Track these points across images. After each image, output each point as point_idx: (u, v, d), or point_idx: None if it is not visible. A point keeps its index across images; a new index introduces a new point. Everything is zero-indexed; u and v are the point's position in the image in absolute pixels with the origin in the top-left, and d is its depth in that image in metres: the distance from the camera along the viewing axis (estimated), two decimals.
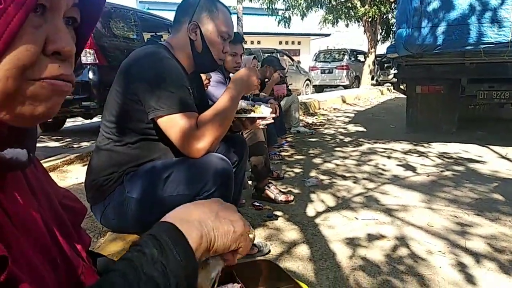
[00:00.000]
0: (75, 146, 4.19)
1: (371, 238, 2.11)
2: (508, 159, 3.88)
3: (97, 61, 4.29)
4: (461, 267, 1.79)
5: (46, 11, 0.41)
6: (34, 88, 0.41)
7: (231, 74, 2.91)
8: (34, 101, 0.41)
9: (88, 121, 5.71)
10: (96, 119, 5.36)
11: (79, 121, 6.13)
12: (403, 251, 1.94)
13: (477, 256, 1.88)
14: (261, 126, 1.95)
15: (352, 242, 2.05)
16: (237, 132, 1.77)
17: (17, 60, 0.38)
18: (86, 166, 2.37)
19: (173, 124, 1.29)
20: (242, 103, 1.59)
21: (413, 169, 3.54)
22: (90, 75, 4.26)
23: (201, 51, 1.46)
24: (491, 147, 4.38)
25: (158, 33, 6.68)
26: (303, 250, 1.97)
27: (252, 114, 1.59)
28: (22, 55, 0.38)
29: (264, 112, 1.60)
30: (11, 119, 0.42)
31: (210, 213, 0.56)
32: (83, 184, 1.49)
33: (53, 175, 2.71)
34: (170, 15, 7.23)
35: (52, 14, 0.42)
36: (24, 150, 0.46)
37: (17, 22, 0.37)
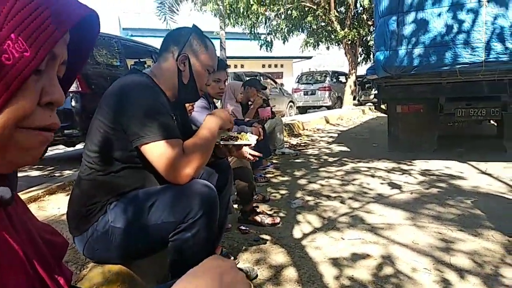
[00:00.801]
0: (57, 174, 4.12)
1: (358, 257, 2.11)
2: (487, 174, 3.97)
3: (80, 89, 4.27)
4: (446, 283, 1.80)
5: (43, 67, 0.45)
6: (24, 136, 0.43)
7: (215, 99, 2.96)
8: (22, 150, 0.44)
9: (71, 148, 5.63)
10: (79, 146, 5.30)
11: (61, 148, 6.04)
12: (389, 270, 1.96)
13: (461, 272, 1.90)
14: (249, 156, 1.96)
15: (339, 263, 2.06)
16: (222, 158, 1.79)
17: (17, 110, 0.41)
18: (68, 196, 2.32)
19: (158, 152, 1.30)
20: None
21: (397, 187, 3.59)
22: (73, 102, 4.24)
23: (187, 82, 1.51)
24: (471, 163, 4.49)
25: (141, 60, 6.73)
26: (290, 273, 1.96)
27: (238, 142, 1.62)
28: (22, 106, 0.42)
29: (250, 140, 1.64)
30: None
31: None
32: (65, 215, 1.47)
33: (34, 205, 2.66)
34: (152, 41, 7.32)
35: (48, 69, 0.46)
36: (7, 188, 0.48)
37: (26, 74, 0.41)
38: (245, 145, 1.67)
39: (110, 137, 1.35)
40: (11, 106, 0.41)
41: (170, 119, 1.38)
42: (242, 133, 1.70)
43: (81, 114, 4.25)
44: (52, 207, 2.62)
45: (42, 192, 2.87)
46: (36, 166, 4.67)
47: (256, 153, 2.01)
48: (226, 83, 2.92)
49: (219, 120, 1.49)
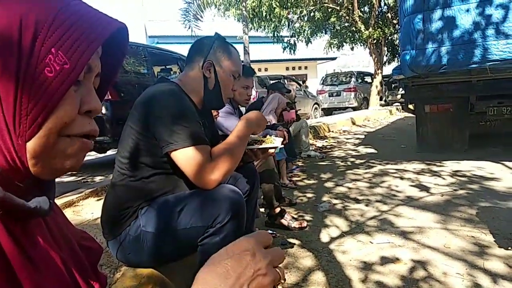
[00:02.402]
0: (89, 180, 4.27)
1: (387, 262, 2.08)
2: None
3: (110, 97, 4.42)
4: None
5: (81, 78, 0.49)
6: (67, 143, 0.47)
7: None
8: (64, 156, 0.48)
9: (102, 155, 5.82)
10: (110, 152, 5.46)
11: (92, 155, 6.24)
12: (419, 274, 1.92)
13: (495, 277, 1.84)
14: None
15: (367, 267, 2.03)
16: (249, 163, 1.81)
17: (60, 119, 0.45)
18: (100, 201, 2.41)
19: (187, 157, 1.34)
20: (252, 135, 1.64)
21: (426, 189, 3.51)
22: (104, 110, 4.39)
23: (212, 89, 1.54)
24: (505, 163, 4.33)
25: (167, 66, 6.87)
26: (318, 277, 1.96)
27: (263, 145, 1.63)
28: (64, 115, 0.45)
29: (275, 142, 1.65)
30: (42, 172, 0.47)
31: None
32: (99, 220, 1.53)
33: (69, 210, 2.77)
34: (178, 48, 7.46)
35: (85, 80, 0.50)
36: (45, 198, 0.51)
37: (67, 85, 0.44)
38: (270, 148, 1.68)
39: (141, 143, 1.40)
40: (55, 115, 0.44)
41: (198, 126, 1.42)
42: (268, 136, 1.71)
43: (112, 121, 4.38)
44: (86, 212, 2.72)
45: (76, 198, 2.99)
46: (70, 172, 4.86)
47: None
48: (254, 90, 2.95)
49: (251, 125, 1.51)
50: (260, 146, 1.63)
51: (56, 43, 0.43)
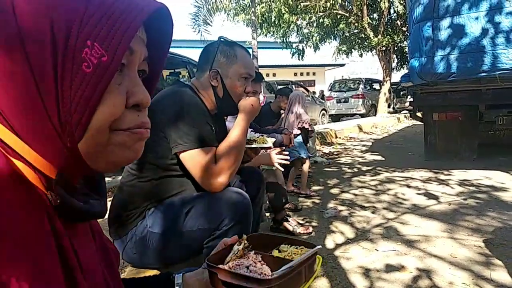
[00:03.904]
0: None
1: (392, 270, 2.07)
2: None
3: None
4: None
5: (124, 68, 0.46)
6: (121, 138, 0.46)
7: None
8: (123, 148, 0.46)
9: None
10: None
11: None
12: (425, 283, 1.90)
13: None
14: (277, 165, 2.02)
15: (372, 275, 2.02)
16: (245, 162, 1.77)
17: (108, 114, 0.43)
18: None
19: (194, 160, 1.35)
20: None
21: (433, 197, 3.49)
22: None
23: (222, 96, 1.52)
24: None
25: (176, 70, 6.91)
26: (323, 284, 1.95)
27: (255, 145, 1.62)
28: (111, 109, 0.43)
29: (267, 143, 1.64)
30: (106, 167, 0.47)
31: None
32: (106, 220, 1.54)
33: None
34: (187, 52, 7.50)
35: (129, 70, 0.47)
36: (100, 201, 0.51)
37: (107, 79, 0.42)
38: (262, 148, 1.67)
39: (152, 144, 1.41)
40: (99, 113, 0.42)
41: (208, 129, 1.42)
42: (259, 136, 1.70)
43: None
44: None
45: None
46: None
47: (284, 157, 2.04)
48: (262, 95, 2.95)
49: (252, 114, 1.49)
50: (252, 146, 1.62)
51: (91, 34, 0.40)
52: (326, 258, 2.24)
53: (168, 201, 1.43)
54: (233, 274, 0.71)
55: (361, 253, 2.31)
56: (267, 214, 2.88)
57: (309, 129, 3.93)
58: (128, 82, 0.46)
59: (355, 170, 5.04)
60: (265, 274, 0.72)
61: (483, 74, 4.31)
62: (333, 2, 12.56)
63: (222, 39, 1.56)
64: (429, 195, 3.56)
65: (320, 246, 0.83)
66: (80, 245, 0.48)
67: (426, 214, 3.02)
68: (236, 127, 1.45)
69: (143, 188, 1.43)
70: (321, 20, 13.77)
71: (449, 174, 4.46)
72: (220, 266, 0.74)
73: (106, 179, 4.35)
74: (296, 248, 0.85)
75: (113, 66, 0.42)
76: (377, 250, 2.34)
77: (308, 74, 26.15)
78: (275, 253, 0.86)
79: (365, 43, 14.89)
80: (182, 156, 1.37)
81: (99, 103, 0.42)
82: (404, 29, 13.49)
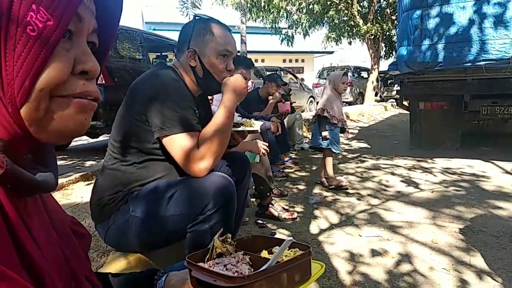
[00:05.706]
0: (80, 165, 4.24)
1: (375, 255, 2.10)
2: None
3: (104, 81, 4.36)
4: (464, 284, 1.78)
5: (72, 36, 0.46)
6: (60, 105, 0.44)
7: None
8: (63, 117, 0.45)
9: (94, 140, 5.77)
10: (102, 138, 5.42)
11: (84, 140, 6.20)
12: (406, 268, 1.94)
13: (481, 273, 1.86)
14: (262, 151, 2.03)
15: (355, 259, 2.05)
16: (232, 147, 1.74)
17: (51, 79, 0.42)
18: (90, 185, 2.39)
19: (176, 144, 1.33)
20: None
21: (417, 185, 3.54)
22: None
23: (202, 76, 1.48)
24: (495, 162, 4.37)
25: (163, 53, 6.81)
26: None
27: (242, 128, 1.59)
28: (56, 74, 0.42)
29: (254, 126, 1.61)
30: (48, 138, 0.45)
31: None
32: (88, 203, 1.51)
33: (58, 194, 2.75)
34: (175, 35, 7.37)
35: (78, 38, 0.46)
36: (51, 174, 0.49)
37: (53, 43, 0.41)
38: (249, 131, 1.64)
39: (134, 128, 1.38)
40: (43, 77, 0.41)
41: (191, 112, 1.39)
42: (246, 120, 1.67)
43: (105, 106, 4.33)
44: (75, 196, 2.71)
45: (66, 182, 2.97)
46: (60, 156, 4.81)
47: (266, 148, 2.07)
48: (250, 81, 2.90)
49: (237, 95, 1.43)
50: (239, 129, 1.59)
51: None
52: (310, 243, 2.26)
53: (151, 185, 1.40)
54: (205, 270, 0.71)
55: (345, 238, 2.34)
56: (253, 200, 2.88)
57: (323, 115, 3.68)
58: (76, 50, 0.46)
59: (341, 157, 5.07)
60: (240, 273, 0.72)
61: (469, 64, 4.36)
62: None
63: (197, 17, 1.51)
64: (413, 183, 3.61)
65: (291, 238, 0.81)
66: (35, 226, 0.46)
67: (409, 201, 3.07)
68: (220, 108, 1.40)
69: (126, 172, 1.40)
70: (311, 6, 13.65)
71: (433, 163, 4.53)
72: (199, 264, 0.74)
73: (90, 162, 4.30)
74: (289, 250, 0.84)
75: (59, 30, 0.42)
76: (361, 236, 2.37)
77: (297, 61, 26.02)
78: (264, 254, 0.85)
79: (354, 31, 14.85)
80: (164, 141, 1.34)
81: (44, 67, 0.41)
82: (394, 17, 13.46)
